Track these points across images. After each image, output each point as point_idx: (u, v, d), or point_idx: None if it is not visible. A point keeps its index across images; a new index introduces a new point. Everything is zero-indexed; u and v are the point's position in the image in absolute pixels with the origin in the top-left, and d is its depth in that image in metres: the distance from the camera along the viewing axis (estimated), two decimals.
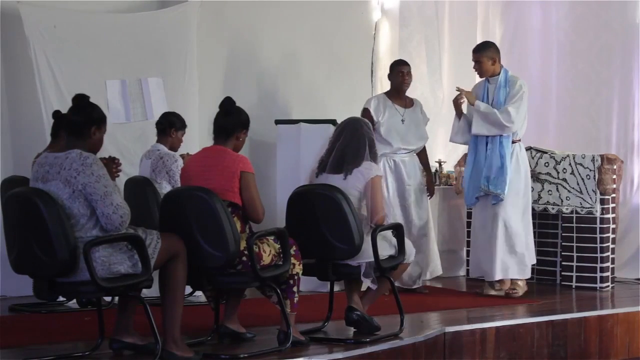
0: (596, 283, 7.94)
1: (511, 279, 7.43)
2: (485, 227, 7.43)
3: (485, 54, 7.34)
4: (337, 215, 5.53)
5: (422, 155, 7.80)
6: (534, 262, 7.60)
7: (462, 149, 9.02)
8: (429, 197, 7.76)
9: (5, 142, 7.54)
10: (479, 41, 9.45)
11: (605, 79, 8.98)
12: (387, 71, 9.29)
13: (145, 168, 6.99)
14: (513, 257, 7.35)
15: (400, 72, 7.65)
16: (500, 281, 7.45)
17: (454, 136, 7.64)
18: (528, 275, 7.48)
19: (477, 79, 9.52)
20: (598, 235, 7.95)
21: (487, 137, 7.31)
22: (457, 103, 7.45)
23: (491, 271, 7.38)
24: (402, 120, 7.61)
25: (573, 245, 8.02)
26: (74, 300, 6.36)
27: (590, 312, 6.96)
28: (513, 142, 7.31)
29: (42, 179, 4.74)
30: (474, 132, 7.33)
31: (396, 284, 7.30)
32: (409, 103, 7.71)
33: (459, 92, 7.42)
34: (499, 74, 7.36)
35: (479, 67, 7.38)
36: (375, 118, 7.58)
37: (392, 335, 5.77)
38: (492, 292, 7.45)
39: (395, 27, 9.33)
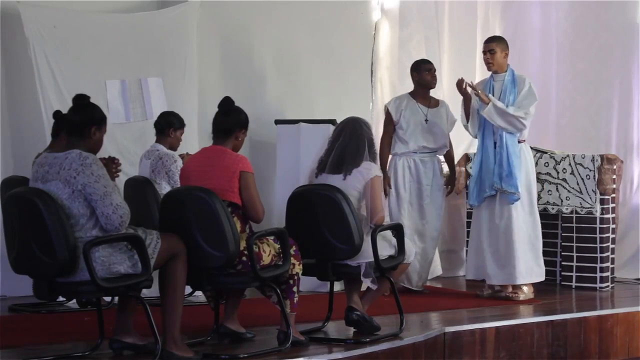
0: (596, 283, 7.94)
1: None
2: (493, 228, 7.35)
3: (499, 45, 7.30)
4: (337, 215, 5.53)
5: (448, 156, 7.76)
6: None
7: (463, 149, 9.02)
8: (447, 192, 7.69)
9: (5, 142, 7.54)
10: (479, 41, 9.50)
11: (605, 79, 8.98)
12: (387, 71, 9.30)
13: (145, 168, 6.99)
14: (535, 259, 7.29)
15: (428, 69, 7.63)
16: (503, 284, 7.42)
17: (463, 120, 7.53)
18: (543, 277, 7.39)
19: (477, 79, 9.54)
20: (598, 235, 7.94)
21: (494, 137, 7.27)
22: (460, 87, 7.31)
23: (512, 275, 7.27)
24: (426, 120, 7.60)
25: (573, 245, 8.02)
26: (74, 300, 6.35)
27: (590, 312, 6.96)
28: (519, 142, 7.27)
29: (42, 179, 4.74)
30: (483, 113, 7.15)
31: (402, 283, 7.34)
32: (433, 103, 7.69)
33: (461, 81, 7.31)
34: (505, 71, 7.30)
35: (491, 57, 7.27)
36: (394, 117, 7.61)
37: (392, 335, 5.77)
38: (493, 294, 7.42)
39: (395, 27, 9.32)
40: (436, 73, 7.77)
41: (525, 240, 7.28)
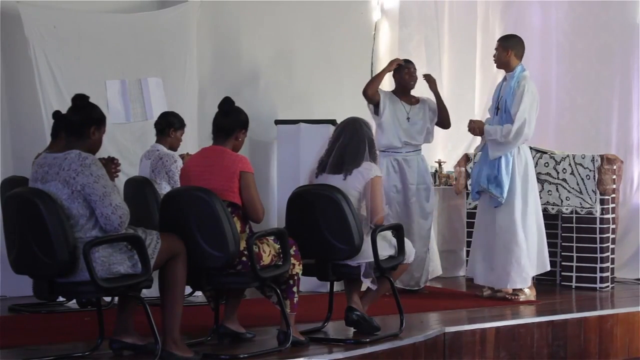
0: (596, 283, 7.94)
1: None
2: (483, 230, 7.34)
3: (502, 43, 7.30)
4: (337, 216, 5.53)
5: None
6: (547, 269, 7.45)
7: (462, 149, 9.03)
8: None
9: (5, 142, 7.54)
10: (479, 41, 9.54)
11: (605, 79, 8.98)
12: None
13: (145, 168, 6.99)
14: (513, 266, 7.18)
15: (407, 69, 7.66)
16: None
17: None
18: (527, 284, 7.28)
19: (477, 79, 9.58)
20: (598, 236, 7.94)
21: None
22: (472, 131, 7.42)
23: (492, 278, 7.28)
24: (408, 118, 7.61)
25: (573, 246, 8.02)
26: (74, 301, 6.35)
27: (590, 312, 6.96)
28: None
29: (42, 180, 4.74)
30: (492, 158, 7.21)
31: (397, 284, 7.33)
32: (414, 101, 7.72)
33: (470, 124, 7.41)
34: (513, 70, 7.27)
35: (495, 54, 7.33)
36: (381, 102, 7.59)
37: (392, 336, 5.77)
38: (493, 295, 7.41)
39: (395, 27, 9.33)
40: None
41: (504, 246, 7.20)
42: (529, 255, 7.26)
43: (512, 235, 7.19)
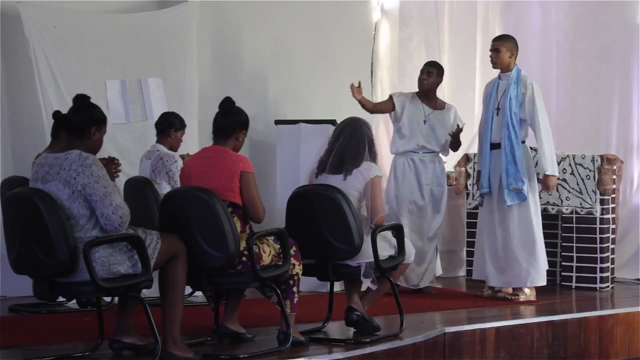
0: (596, 283, 7.94)
1: None
2: (491, 231, 7.33)
3: (504, 44, 7.29)
4: (337, 216, 5.53)
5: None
6: (546, 267, 7.49)
7: (462, 149, 9.02)
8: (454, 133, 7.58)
9: (5, 142, 7.54)
10: (479, 41, 9.51)
11: (605, 79, 8.97)
12: (387, 71, 9.32)
13: (145, 168, 6.99)
14: (533, 263, 7.22)
15: (424, 70, 7.67)
16: None
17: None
18: (544, 282, 7.33)
19: (477, 79, 9.56)
20: (598, 236, 7.94)
21: (491, 139, 7.26)
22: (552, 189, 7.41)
23: (509, 279, 7.28)
24: (425, 121, 7.60)
25: (573, 246, 8.02)
26: (74, 301, 6.35)
27: (590, 312, 6.96)
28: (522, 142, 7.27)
29: (42, 180, 4.74)
30: (552, 173, 7.22)
31: (400, 282, 7.34)
32: (439, 105, 7.70)
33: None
34: (511, 70, 7.29)
35: (495, 56, 7.29)
36: (397, 108, 7.60)
37: (392, 336, 5.78)
38: (493, 295, 7.41)
39: (395, 27, 9.33)
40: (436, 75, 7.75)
41: (522, 245, 7.23)
42: (543, 252, 7.32)
43: (530, 233, 7.23)
